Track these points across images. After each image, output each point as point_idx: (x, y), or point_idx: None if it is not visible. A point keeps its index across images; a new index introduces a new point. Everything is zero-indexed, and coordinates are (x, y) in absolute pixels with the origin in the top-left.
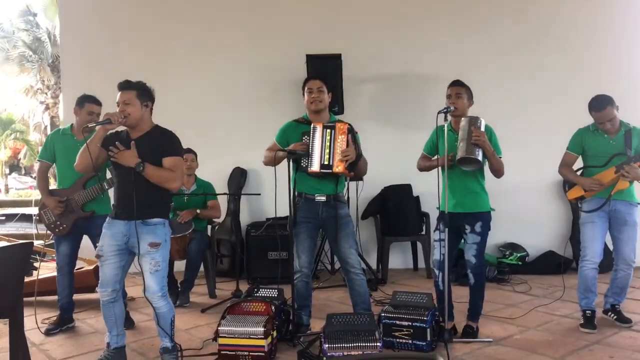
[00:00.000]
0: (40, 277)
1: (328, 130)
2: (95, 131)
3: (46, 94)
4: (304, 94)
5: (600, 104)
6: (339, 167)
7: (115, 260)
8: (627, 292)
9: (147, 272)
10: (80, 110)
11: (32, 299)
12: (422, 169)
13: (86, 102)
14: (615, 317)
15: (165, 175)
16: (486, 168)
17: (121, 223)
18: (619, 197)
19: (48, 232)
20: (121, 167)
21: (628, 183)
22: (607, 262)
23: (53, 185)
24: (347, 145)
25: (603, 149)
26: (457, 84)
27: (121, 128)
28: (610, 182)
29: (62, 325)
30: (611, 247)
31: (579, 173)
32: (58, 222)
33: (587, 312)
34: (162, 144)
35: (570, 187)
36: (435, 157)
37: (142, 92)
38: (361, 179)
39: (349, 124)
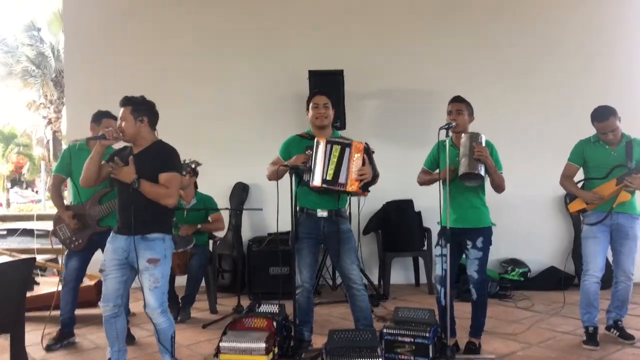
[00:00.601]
0: (47, 291)
1: (331, 146)
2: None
3: (49, 108)
4: (307, 109)
5: (602, 115)
6: (352, 186)
7: (117, 275)
8: (628, 306)
9: (146, 288)
10: (97, 126)
11: (32, 314)
12: (422, 183)
13: (104, 117)
14: (618, 333)
15: (160, 192)
16: (487, 183)
17: (122, 238)
18: (621, 209)
19: (63, 247)
20: (120, 183)
21: (630, 195)
22: (608, 278)
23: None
24: (364, 164)
25: (604, 160)
26: (457, 100)
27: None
28: (611, 195)
29: (63, 340)
30: (611, 260)
31: (580, 185)
32: (74, 238)
33: (590, 328)
34: (159, 159)
35: (571, 200)
36: (437, 171)
37: (137, 108)
38: (366, 194)
39: (366, 143)
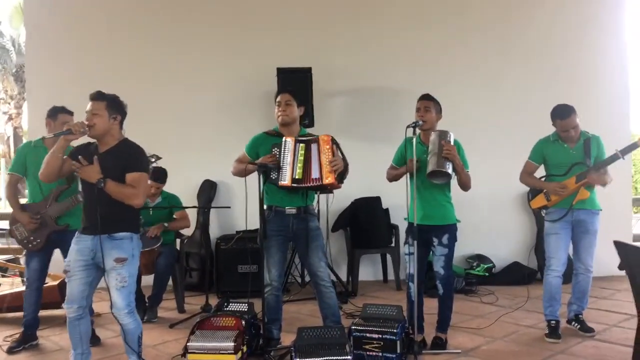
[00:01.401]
0: (5, 292)
1: (299, 145)
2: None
3: (9, 104)
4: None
5: (564, 112)
6: (328, 179)
7: (83, 276)
8: (588, 298)
9: (113, 288)
10: (53, 122)
11: None
12: (390, 178)
13: (59, 112)
14: (578, 326)
15: (126, 192)
16: (452, 181)
17: (88, 238)
18: (582, 206)
19: (21, 247)
20: (85, 182)
21: (588, 193)
22: (569, 272)
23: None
24: (334, 155)
25: (563, 159)
26: (425, 98)
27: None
28: (571, 192)
29: (25, 342)
30: (571, 253)
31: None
32: (31, 238)
33: (552, 322)
34: (126, 158)
35: (533, 197)
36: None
37: (113, 105)
38: (331, 192)
39: (332, 136)
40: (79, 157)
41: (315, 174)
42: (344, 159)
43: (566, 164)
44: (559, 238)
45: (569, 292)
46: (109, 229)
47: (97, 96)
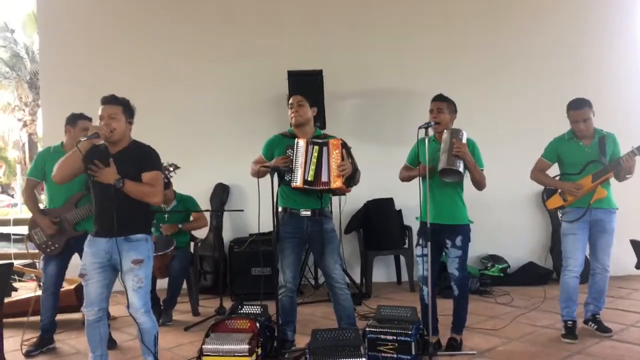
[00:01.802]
0: (25, 296)
1: (312, 146)
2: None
3: (24, 110)
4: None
5: (578, 103)
6: (336, 183)
7: (100, 279)
8: (605, 298)
9: (130, 289)
10: (73, 129)
11: (12, 320)
12: (403, 178)
13: (79, 119)
14: (595, 326)
15: (145, 190)
16: (466, 181)
17: (102, 240)
18: (599, 205)
19: (39, 251)
20: (100, 184)
21: (606, 191)
22: (586, 272)
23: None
24: (343, 159)
25: (578, 157)
26: (438, 99)
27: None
28: (588, 191)
29: (43, 346)
30: (587, 253)
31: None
32: (50, 242)
33: (569, 322)
34: (140, 159)
35: (549, 197)
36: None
37: (127, 109)
38: (344, 194)
39: (342, 140)
40: (95, 161)
41: (324, 177)
42: (353, 163)
43: (581, 162)
44: (576, 238)
45: (585, 292)
46: (125, 231)
47: (113, 100)
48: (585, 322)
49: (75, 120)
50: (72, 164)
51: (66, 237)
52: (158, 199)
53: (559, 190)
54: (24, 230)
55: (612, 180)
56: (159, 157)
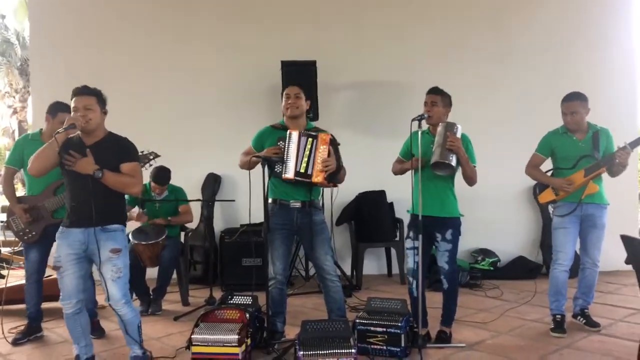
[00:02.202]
0: (7, 285)
1: (306, 138)
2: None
3: (14, 97)
4: (282, 100)
5: (570, 96)
6: (318, 177)
7: (75, 270)
8: (594, 293)
9: (109, 280)
10: (52, 119)
11: None
12: (396, 172)
13: (59, 111)
14: (584, 321)
15: (125, 181)
16: (458, 174)
17: (77, 231)
18: (590, 200)
19: (16, 239)
20: (75, 175)
21: (597, 186)
22: (575, 267)
23: (21, 191)
24: (329, 156)
25: (571, 151)
26: (432, 92)
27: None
28: (580, 185)
29: (30, 334)
30: (578, 247)
31: (549, 175)
32: (27, 230)
33: (558, 316)
34: (118, 150)
35: (541, 191)
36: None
37: (101, 99)
38: (336, 186)
39: (332, 135)
40: (70, 151)
41: (309, 170)
42: (338, 160)
43: (574, 156)
44: (567, 232)
45: (574, 287)
46: (103, 221)
47: (87, 91)
48: (574, 316)
49: (55, 111)
50: (49, 156)
51: (44, 224)
52: (137, 190)
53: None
54: None
55: (604, 176)
56: (137, 148)
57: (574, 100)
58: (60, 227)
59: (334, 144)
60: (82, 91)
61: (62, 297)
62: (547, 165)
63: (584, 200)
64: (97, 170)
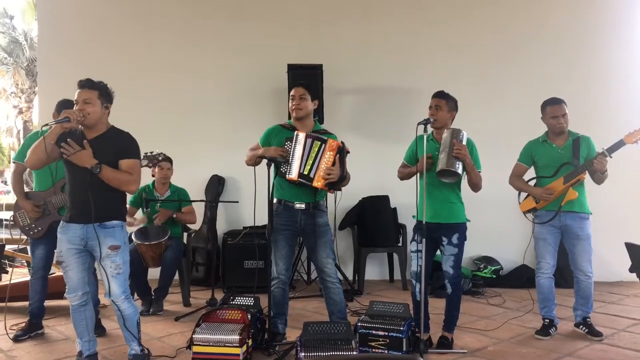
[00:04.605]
0: (11, 282)
1: (312, 140)
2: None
3: (20, 97)
4: (288, 101)
5: (556, 100)
6: (318, 182)
7: (78, 264)
8: (593, 301)
9: (109, 276)
10: (58, 115)
11: (2, 304)
12: (402, 177)
13: (64, 108)
14: (586, 330)
15: (123, 178)
16: (463, 181)
17: (77, 226)
18: (570, 208)
19: (22, 235)
20: (75, 168)
21: (576, 193)
22: (571, 277)
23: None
24: (334, 164)
25: (552, 159)
26: (437, 96)
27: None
28: (560, 193)
29: (31, 331)
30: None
31: (531, 184)
32: (33, 225)
33: (546, 320)
34: (118, 145)
35: (523, 199)
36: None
37: (104, 93)
38: (340, 190)
39: (342, 143)
40: (68, 140)
41: (312, 173)
42: (342, 170)
43: (554, 164)
44: (545, 243)
45: (571, 296)
46: (101, 218)
47: (88, 84)
48: (576, 325)
49: (61, 108)
50: (41, 148)
51: (50, 220)
52: (135, 188)
53: None
54: None
55: (603, 186)
56: (138, 145)
57: (561, 103)
58: (61, 222)
59: (342, 152)
60: (84, 84)
61: (67, 290)
62: (530, 173)
63: (564, 208)
64: (96, 165)
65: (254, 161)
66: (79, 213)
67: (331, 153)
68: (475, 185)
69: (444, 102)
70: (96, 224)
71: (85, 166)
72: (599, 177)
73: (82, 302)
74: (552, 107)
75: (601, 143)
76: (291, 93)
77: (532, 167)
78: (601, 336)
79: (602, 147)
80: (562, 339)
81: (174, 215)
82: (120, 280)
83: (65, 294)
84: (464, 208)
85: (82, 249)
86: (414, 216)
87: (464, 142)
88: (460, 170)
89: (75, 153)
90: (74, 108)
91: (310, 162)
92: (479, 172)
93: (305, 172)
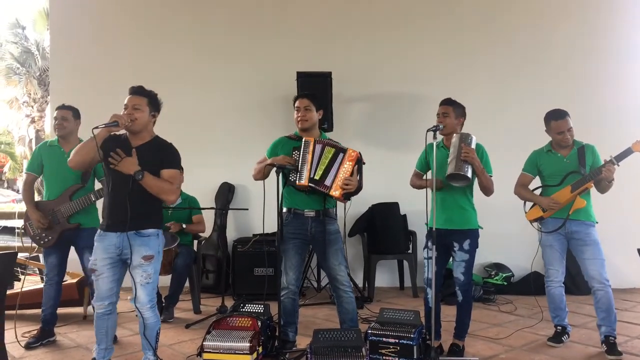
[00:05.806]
0: (22, 289)
1: (321, 146)
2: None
3: (32, 107)
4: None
5: (560, 114)
6: (336, 192)
7: (110, 274)
8: (615, 315)
9: (138, 284)
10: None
11: (13, 312)
12: (414, 186)
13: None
14: (606, 348)
15: (163, 187)
16: (476, 186)
17: (113, 235)
18: (576, 217)
19: (33, 244)
20: (116, 175)
21: (585, 202)
22: (584, 284)
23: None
24: (352, 174)
25: (557, 169)
26: (444, 103)
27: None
28: (567, 201)
29: (43, 338)
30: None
31: (537, 193)
32: (43, 234)
33: (558, 327)
34: (161, 155)
35: (530, 209)
36: (424, 176)
37: (153, 102)
38: (349, 199)
39: (360, 154)
40: (117, 149)
41: (328, 181)
42: (359, 181)
43: (560, 173)
44: (553, 250)
45: (584, 302)
46: (137, 226)
47: (140, 91)
48: (602, 343)
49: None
50: (87, 150)
51: (59, 229)
52: (174, 198)
53: None
54: None
55: (612, 193)
56: (180, 157)
57: (565, 117)
58: (98, 230)
59: (359, 162)
60: (135, 90)
61: (95, 298)
62: (536, 182)
63: (571, 217)
64: (139, 172)
65: (262, 173)
66: (117, 221)
67: (350, 163)
68: (487, 189)
69: (451, 109)
70: (132, 232)
71: (129, 173)
72: (605, 185)
73: (107, 312)
74: (557, 123)
75: (610, 151)
76: (296, 104)
77: (537, 176)
78: (620, 355)
79: (610, 154)
80: (575, 346)
81: (184, 227)
82: (148, 289)
83: (92, 301)
84: (477, 215)
85: (116, 260)
86: (426, 224)
87: (473, 146)
88: (469, 174)
89: (120, 160)
90: (122, 113)
91: (322, 167)
92: (490, 176)
93: (317, 178)
